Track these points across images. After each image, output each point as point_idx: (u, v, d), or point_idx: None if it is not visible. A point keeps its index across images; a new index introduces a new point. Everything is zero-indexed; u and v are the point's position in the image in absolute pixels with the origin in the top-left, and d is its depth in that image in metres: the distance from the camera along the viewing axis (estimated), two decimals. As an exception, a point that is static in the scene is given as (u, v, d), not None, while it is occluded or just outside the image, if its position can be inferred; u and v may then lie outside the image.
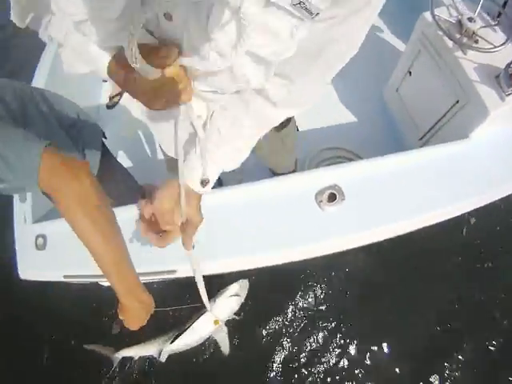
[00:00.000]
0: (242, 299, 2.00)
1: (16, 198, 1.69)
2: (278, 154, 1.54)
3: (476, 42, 1.68)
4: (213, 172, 0.79)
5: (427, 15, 1.81)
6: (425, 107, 2.01)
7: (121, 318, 1.14)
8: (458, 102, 1.73)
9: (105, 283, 2.01)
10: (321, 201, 1.43)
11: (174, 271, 1.46)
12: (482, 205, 1.68)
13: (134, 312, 1.10)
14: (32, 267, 1.53)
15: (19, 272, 1.54)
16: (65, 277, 1.52)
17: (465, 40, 1.67)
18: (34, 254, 1.53)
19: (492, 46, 1.63)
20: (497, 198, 1.68)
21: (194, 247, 0.86)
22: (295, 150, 1.69)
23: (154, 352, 1.99)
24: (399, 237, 1.65)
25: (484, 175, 1.60)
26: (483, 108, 1.59)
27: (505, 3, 1.73)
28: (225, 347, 2.10)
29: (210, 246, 1.41)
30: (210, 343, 2.24)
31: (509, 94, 1.57)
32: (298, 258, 1.53)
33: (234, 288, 1.95)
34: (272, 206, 1.45)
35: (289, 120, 1.30)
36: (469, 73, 1.65)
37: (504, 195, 1.68)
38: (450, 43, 1.72)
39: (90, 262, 1.28)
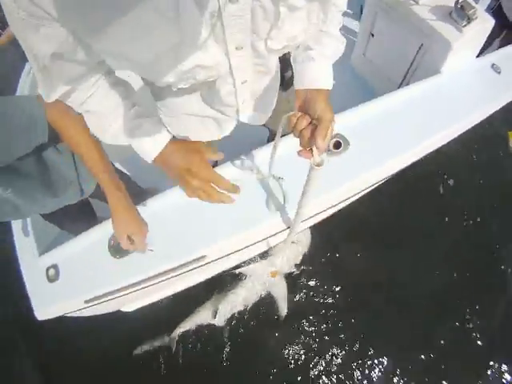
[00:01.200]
0: (305, 250, 2.03)
1: (17, 232, 1.62)
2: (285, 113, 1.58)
3: (424, -11, 1.87)
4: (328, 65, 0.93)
5: (375, -22, 2.01)
6: (393, 60, 2.17)
7: (113, 227, 1.24)
8: (422, 45, 1.90)
9: (127, 309, 2.07)
10: (329, 150, 1.55)
11: (203, 257, 1.43)
12: (464, 130, 1.84)
13: (124, 213, 1.21)
14: (49, 303, 1.43)
15: (36, 314, 1.43)
16: (86, 302, 1.44)
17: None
18: (47, 288, 1.44)
19: (438, -13, 1.82)
20: (476, 122, 1.86)
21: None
22: None
23: (209, 315, 1.95)
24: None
25: (461, 101, 1.77)
26: (446, 43, 1.75)
27: None
28: (282, 306, 2.02)
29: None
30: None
31: (464, 26, 1.74)
32: (324, 206, 1.59)
33: (299, 237, 2.02)
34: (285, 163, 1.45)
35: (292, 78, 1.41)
36: (425, 17, 1.82)
37: (482, 118, 1.86)
38: (403, -2, 1.90)
39: (108, 278, 1.39)
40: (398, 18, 1.97)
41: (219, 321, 1.99)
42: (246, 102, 1.02)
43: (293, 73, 1.17)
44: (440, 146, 1.81)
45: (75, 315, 1.61)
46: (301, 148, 0.87)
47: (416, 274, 2.30)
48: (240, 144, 1.55)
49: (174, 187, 1.47)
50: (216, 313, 1.98)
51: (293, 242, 1.99)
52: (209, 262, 1.52)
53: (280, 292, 2.04)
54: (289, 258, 2.04)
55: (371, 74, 2.40)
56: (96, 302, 1.46)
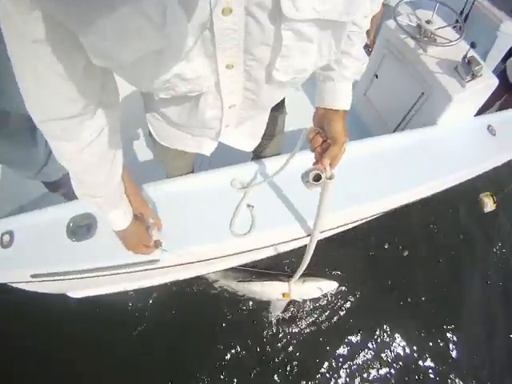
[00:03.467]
0: (319, 295, 2.31)
1: None
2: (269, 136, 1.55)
3: (434, 40, 1.85)
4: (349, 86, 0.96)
5: (390, 23, 2.00)
6: (393, 104, 2.15)
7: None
8: (423, 93, 1.88)
9: (73, 295, 2.02)
10: (307, 181, 1.49)
11: (155, 261, 1.40)
12: (453, 184, 1.81)
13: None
14: None
15: None
16: (32, 276, 1.40)
17: (424, 39, 1.85)
18: None
19: (448, 41, 1.81)
20: (465, 179, 1.83)
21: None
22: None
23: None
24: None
25: (452, 157, 1.74)
26: (446, 95, 1.74)
27: (467, 15, 2.00)
28: (270, 316, 2.27)
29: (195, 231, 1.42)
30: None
31: (468, 81, 1.73)
32: (292, 236, 1.55)
33: (325, 284, 2.31)
34: (260, 189, 1.48)
35: (283, 100, 1.39)
36: (430, 67, 1.81)
37: (472, 176, 1.83)
38: (412, 44, 1.89)
39: (60, 259, 1.36)
40: (404, 63, 1.96)
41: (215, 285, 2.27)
42: (230, 127, 0.99)
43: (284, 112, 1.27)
44: (423, 196, 1.77)
45: (19, 287, 1.59)
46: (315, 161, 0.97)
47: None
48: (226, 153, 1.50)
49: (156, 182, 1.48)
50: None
51: (318, 288, 2.27)
52: (161, 268, 1.47)
53: (277, 308, 2.29)
54: (305, 293, 2.29)
55: (368, 114, 2.38)
56: (42, 279, 1.42)
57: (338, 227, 1.72)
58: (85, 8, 0.50)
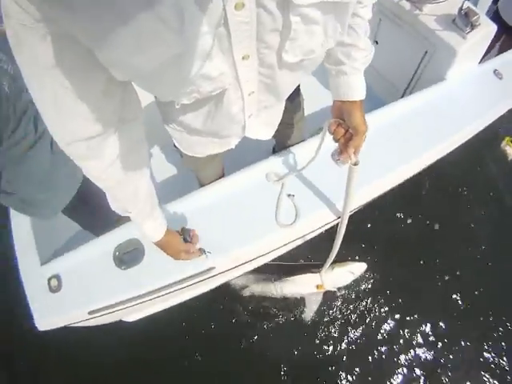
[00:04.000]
0: (353, 278, 2.25)
1: (18, 239, 1.55)
2: (287, 125, 1.58)
3: (428, -2, 1.89)
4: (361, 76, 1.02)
5: (380, -14, 2.03)
6: (398, 68, 2.20)
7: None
8: (426, 52, 1.92)
9: (128, 319, 2.03)
10: (338, 159, 1.57)
11: (212, 268, 1.44)
12: (470, 137, 1.88)
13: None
14: (50, 313, 1.40)
15: (36, 324, 1.39)
16: (89, 313, 1.41)
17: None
18: (49, 299, 1.40)
19: (442, -3, 1.85)
20: (481, 129, 1.90)
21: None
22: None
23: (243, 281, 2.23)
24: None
25: (465, 109, 1.81)
26: (450, 49, 1.79)
27: None
28: (308, 313, 2.21)
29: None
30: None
31: (468, 32, 1.77)
32: (333, 218, 1.60)
33: (355, 266, 2.27)
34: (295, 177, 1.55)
35: (298, 88, 1.43)
36: (429, 24, 1.85)
37: (486, 124, 1.90)
38: (406, 5, 1.93)
39: (113, 290, 1.39)
40: (402, 25, 2.00)
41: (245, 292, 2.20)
42: (252, 117, 1.01)
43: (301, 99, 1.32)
44: (446, 153, 1.83)
45: (77, 325, 1.59)
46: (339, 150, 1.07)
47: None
48: (245, 152, 1.56)
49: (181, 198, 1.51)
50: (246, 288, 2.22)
51: (349, 272, 2.23)
52: (217, 274, 1.53)
53: (313, 301, 2.23)
54: (338, 280, 2.24)
55: (376, 81, 2.41)
56: (100, 314, 1.45)
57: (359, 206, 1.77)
58: (99, 20, 0.50)
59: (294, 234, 1.53)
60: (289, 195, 1.51)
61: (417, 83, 2.10)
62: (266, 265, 2.09)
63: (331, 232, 1.63)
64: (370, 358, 2.16)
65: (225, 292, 2.27)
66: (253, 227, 1.47)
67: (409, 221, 2.58)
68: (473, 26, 1.77)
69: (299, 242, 1.99)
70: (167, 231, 1.12)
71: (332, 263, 2.01)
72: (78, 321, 1.50)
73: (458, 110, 1.80)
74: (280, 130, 1.34)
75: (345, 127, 1.03)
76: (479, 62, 1.98)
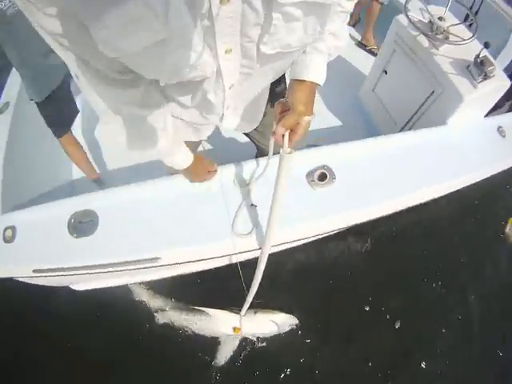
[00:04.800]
0: (276, 332, 1.99)
1: None
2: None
3: (447, 38, 1.80)
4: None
5: (401, 18, 1.95)
6: (401, 102, 2.11)
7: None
8: (433, 92, 1.84)
9: (77, 287, 2.02)
10: (312, 180, 1.46)
11: (157, 258, 1.40)
12: (459, 187, 1.77)
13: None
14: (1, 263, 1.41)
15: None
16: (34, 271, 1.40)
17: (437, 37, 1.79)
18: (1, 248, 1.40)
19: (461, 39, 1.75)
20: (473, 182, 1.78)
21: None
22: None
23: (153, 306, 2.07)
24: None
25: (462, 158, 1.70)
26: (457, 95, 1.70)
27: (476, 12, 1.93)
28: (222, 356, 1.96)
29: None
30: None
31: (480, 82, 1.68)
32: (292, 237, 1.53)
33: (281, 317, 2.00)
34: (261, 186, 1.45)
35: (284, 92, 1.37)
36: (442, 65, 1.76)
37: (480, 179, 1.79)
38: (423, 41, 1.85)
39: (61, 255, 1.38)
40: (415, 60, 1.91)
41: (160, 320, 2.03)
42: (230, 108, 1.03)
43: (285, 86, 1.23)
44: (431, 198, 1.73)
45: (22, 280, 1.62)
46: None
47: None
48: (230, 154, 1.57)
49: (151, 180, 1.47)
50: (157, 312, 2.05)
51: (273, 322, 1.98)
52: (163, 265, 1.46)
53: (229, 345, 2.00)
54: (259, 328, 2.00)
55: (376, 111, 2.34)
56: (44, 275, 1.42)
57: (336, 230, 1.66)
58: (94, 2, 0.53)
59: (246, 246, 1.42)
60: (251, 205, 1.39)
61: (416, 122, 2.01)
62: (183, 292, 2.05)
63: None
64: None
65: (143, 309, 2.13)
66: (207, 228, 1.39)
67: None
68: (486, 77, 1.69)
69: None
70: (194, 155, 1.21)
71: (256, 307, 1.89)
72: (23, 276, 1.51)
73: (454, 158, 1.69)
74: (261, 132, 1.39)
75: (285, 107, 0.92)
76: (485, 115, 1.88)
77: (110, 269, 1.42)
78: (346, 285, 2.22)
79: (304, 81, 0.93)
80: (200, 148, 1.46)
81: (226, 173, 1.48)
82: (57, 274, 1.42)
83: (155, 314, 2.08)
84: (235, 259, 1.80)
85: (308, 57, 0.93)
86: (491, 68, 1.67)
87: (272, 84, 1.08)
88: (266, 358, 1.98)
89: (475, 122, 1.84)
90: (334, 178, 1.47)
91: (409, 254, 2.36)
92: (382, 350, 2.06)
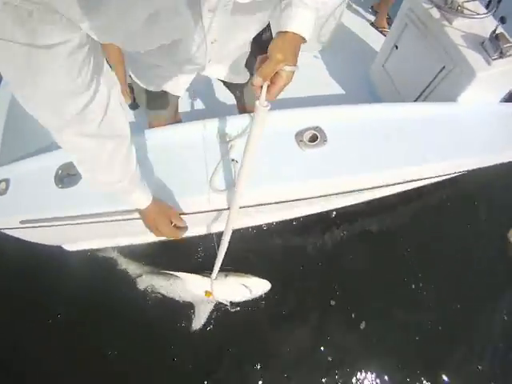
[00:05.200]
0: (249, 296, 1.93)
1: None
2: None
3: (461, 12, 1.68)
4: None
5: (414, -10, 1.84)
6: (411, 78, 2.02)
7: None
8: (443, 68, 1.74)
9: (68, 247, 2.09)
10: (301, 140, 1.35)
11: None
12: (463, 170, 1.70)
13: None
14: None
15: None
16: (21, 222, 1.41)
17: (451, 10, 1.68)
18: None
19: (476, 13, 1.64)
20: (477, 167, 1.69)
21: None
22: None
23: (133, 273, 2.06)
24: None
25: (470, 140, 1.58)
26: (470, 71, 1.59)
27: None
28: (197, 322, 1.93)
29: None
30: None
31: (495, 59, 1.56)
32: (276, 198, 1.44)
33: (253, 281, 1.93)
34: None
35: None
36: (455, 39, 1.66)
37: (486, 165, 1.68)
38: (436, 14, 1.74)
39: (46, 205, 1.39)
40: (427, 35, 1.82)
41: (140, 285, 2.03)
42: (212, 61, 1.04)
43: (271, 34, 1.27)
44: (426, 180, 1.61)
45: (15, 235, 1.67)
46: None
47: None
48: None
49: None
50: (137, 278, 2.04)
51: (244, 286, 1.91)
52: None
53: (202, 310, 1.96)
54: (230, 292, 1.94)
55: (385, 87, 2.27)
56: (31, 225, 1.43)
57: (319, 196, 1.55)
58: None
59: (222, 203, 1.37)
60: (232, 160, 1.29)
61: (426, 99, 1.92)
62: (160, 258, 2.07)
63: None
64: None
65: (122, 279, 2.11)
66: (185, 183, 1.35)
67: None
68: (502, 54, 1.57)
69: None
70: (154, 198, 1.16)
71: (228, 271, 1.83)
72: (10, 227, 1.54)
73: (461, 136, 1.57)
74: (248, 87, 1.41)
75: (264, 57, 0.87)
76: (500, 101, 1.76)
77: (91, 219, 1.40)
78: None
79: (286, 32, 0.87)
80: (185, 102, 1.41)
81: (210, 127, 1.43)
82: (42, 224, 1.42)
83: (134, 280, 2.07)
84: (210, 228, 1.82)
85: (293, 9, 0.88)
86: (508, 45, 1.55)
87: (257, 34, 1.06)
88: (240, 323, 1.95)
89: (488, 105, 1.72)
90: (326, 141, 1.38)
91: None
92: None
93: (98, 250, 2.14)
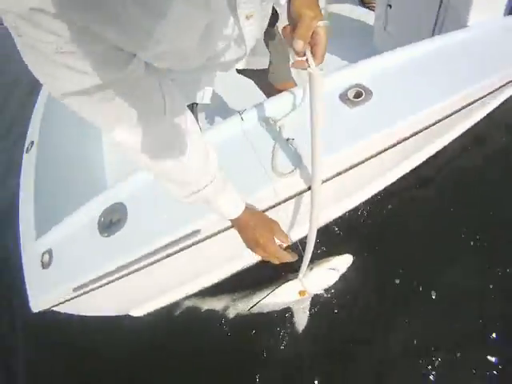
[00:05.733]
0: (339, 275, 1.89)
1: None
2: (279, 63, 1.46)
3: None
4: None
5: None
6: (416, 28, 2.03)
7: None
8: (441, 1, 1.76)
9: (136, 313, 1.91)
10: (347, 99, 1.30)
11: (197, 231, 1.25)
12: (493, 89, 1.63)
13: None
14: (41, 292, 1.29)
15: (30, 306, 1.30)
16: (74, 290, 1.27)
17: None
18: (41, 276, 1.31)
19: None
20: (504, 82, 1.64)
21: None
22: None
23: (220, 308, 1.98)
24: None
25: (488, 59, 1.56)
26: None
27: None
28: (300, 323, 1.88)
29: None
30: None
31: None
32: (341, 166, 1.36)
33: (335, 261, 1.89)
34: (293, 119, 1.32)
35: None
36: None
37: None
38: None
39: (95, 261, 1.25)
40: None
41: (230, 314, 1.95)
42: (246, 56, 1.03)
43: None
44: (468, 103, 1.57)
45: (72, 311, 1.52)
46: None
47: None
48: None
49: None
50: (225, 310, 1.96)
51: (332, 269, 1.88)
52: (205, 239, 1.30)
53: (301, 310, 1.91)
54: (322, 281, 1.90)
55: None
56: (84, 291, 1.29)
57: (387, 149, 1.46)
58: (137, 29, 0.54)
59: (295, 186, 1.25)
60: (287, 139, 1.22)
61: None
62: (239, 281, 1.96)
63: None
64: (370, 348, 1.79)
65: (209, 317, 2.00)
66: (245, 180, 1.21)
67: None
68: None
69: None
70: (248, 208, 1.04)
71: (310, 264, 1.75)
72: (65, 299, 1.35)
73: (480, 59, 1.55)
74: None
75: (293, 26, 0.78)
76: (504, 15, 1.75)
77: (152, 259, 1.26)
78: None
79: None
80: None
81: (247, 117, 1.35)
82: (97, 285, 1.28)
83: (224, 313, 1.99)
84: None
85: None
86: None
87: None
88: (339, 302, 1.90)
89: (495, 21, 1.71)
90: (371, 94, 1.31)
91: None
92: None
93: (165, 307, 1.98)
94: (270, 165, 1.23)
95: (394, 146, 1.42)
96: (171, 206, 1.24)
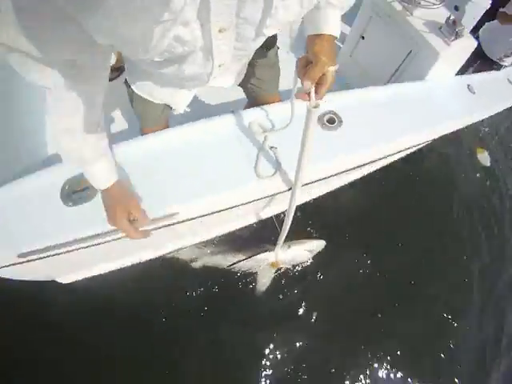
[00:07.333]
0: (310, 256, 2.23)
1: None
2: (270, 80, 1.58)
3: (419, 3, 1.99)
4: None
5: (376, -14, 2.11)
6: (380, 64, 2.27)
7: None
8: (411, 51, 2.02)
9: (63, 280, 1.88)
10: (323, 123, 1.55)
11: (175, 214, 1.31)
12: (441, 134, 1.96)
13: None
14: None
15: None
16: (20, 256, 1.20)
17: (411, 1, 1.98)
18: None
19: (432, 4, 1.96)
20: (452, 130, 1.98)
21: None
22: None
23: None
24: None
25: (440, 110, 1.89)
26: (434, 52, 1.88)
27: None
28: (260, 287, 2.18)
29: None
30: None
31: (452, 40, 1.87)
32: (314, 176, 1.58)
33: (312, 244, 2.25)
34: (277, 131, 1.50)
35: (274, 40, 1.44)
36: (417, 27, 1.94)
37: (454, 129, 2.00)
38: (399, 7, 2.02)
39: (55, 230, 1.20)
40: (391, 25, 2.08)
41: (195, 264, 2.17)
42: (217, 77, 1.01)
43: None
44: (418, 144, 1.89)
45: (4, 276, 1.43)
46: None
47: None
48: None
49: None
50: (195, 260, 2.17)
51: (307, 251, 2.20)
52: (181, 222, 1.40)
53: (266, 276, 2.21)
54: (295, 258, 2.22)
55: (355, 74, 2.50)
56: (33, 257, 1.23)
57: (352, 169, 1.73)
58: None
59: (273, 187, 1.46)
60: (271, 147, 1.44)
61: (396, 81, 2.18)
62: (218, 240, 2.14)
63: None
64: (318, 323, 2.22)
65: (173, 264, 2.18)
66: (229, 175, 1.37)
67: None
68: (457, 36, 1.88)
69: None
70: (118, 182, 1.06)
71: (289, 241, 2.00)
72: (5, 264, 1.28)
73: (433, 109, 1.86)
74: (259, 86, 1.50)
75: (307, 61, 0.93)
76: (455, 74, 2.09)
77: (106, 239, 1.27)
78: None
79: (322, 34, 0.95)
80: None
81: (240, 118, 1.51)
82: (47, 254, 1.24)
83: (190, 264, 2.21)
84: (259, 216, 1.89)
85: (322, 12, 0.95)
86: (461, 28, 1.86)
87: None
88: (299, 279, 2.28)
89: (448, 79, 2.05)
90: (341, 122, 1.57)
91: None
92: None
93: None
94: (253, 167, 1.40)
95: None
96: (148, 186, 1.27)
